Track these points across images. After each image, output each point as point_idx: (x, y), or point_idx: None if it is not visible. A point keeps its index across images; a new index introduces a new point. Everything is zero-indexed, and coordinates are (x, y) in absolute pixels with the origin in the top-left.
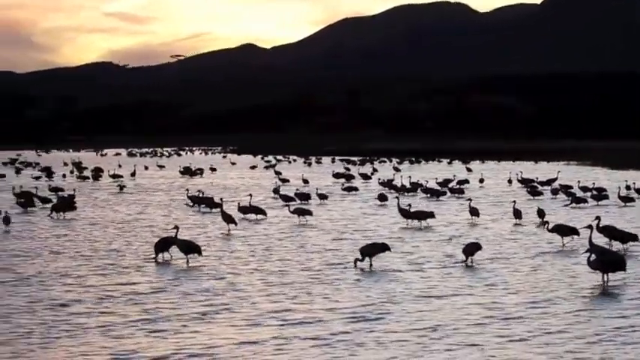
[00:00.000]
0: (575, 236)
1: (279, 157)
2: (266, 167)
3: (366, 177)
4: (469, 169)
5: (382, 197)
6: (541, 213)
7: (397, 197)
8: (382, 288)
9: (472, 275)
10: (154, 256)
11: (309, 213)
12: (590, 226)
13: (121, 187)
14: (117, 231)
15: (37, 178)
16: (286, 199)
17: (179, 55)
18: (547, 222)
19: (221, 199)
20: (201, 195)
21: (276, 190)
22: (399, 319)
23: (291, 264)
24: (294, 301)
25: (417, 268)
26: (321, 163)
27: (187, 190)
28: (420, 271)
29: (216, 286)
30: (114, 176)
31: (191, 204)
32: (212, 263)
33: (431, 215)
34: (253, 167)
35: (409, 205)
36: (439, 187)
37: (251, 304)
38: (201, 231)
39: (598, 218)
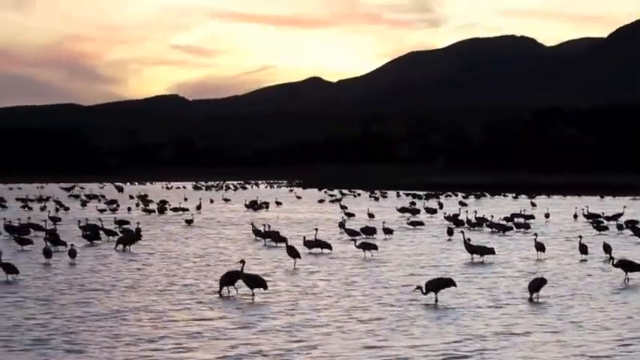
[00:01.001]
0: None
1: (345, 191)
2: (332, 201)
3: (431, 211)
4: (534, 204)
5: (450, 232)
6: (607, 248)
7: (462, 232)
8: (462, 324)
9: (546, 311)
10: (218, 289)
11: (375, 247)
12: None
13: (189, 222)
14: (188, 265)
15: (102, 211)
16: (352, 233)
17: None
18: (613, 257)
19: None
20: (267, 229)
21: (342, 225)
22: (483, 356)
23: (367, 299)
24: (376, 337)
25: (492, 304)
26: (386, 197)
27: (252, 223)
28: (495, 308)
29: (295, 323)
30: (175, 209)
31: (256, 237)
32: (285, 299)
33: (491, 251)
34: (321, 201)
35: (468, 239)
36: (505, 222)
37: (333, 340)
38: (270, 265)
39: None
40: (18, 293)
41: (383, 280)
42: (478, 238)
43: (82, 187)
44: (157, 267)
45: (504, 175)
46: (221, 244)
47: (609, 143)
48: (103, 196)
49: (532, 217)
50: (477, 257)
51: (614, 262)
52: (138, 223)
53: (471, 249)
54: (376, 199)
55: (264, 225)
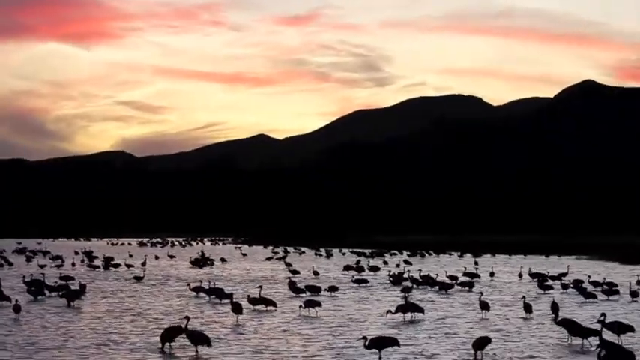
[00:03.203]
0: (581, 333)
1: (289, 249)
2: (277, 259)
3: (375, 269)
4: (476, 263)
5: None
6: (555, 307)
7: (403, 290)
8: None
9: None
10: (161, 346)
11: (319, 304)
12: (601, 322)
13: (138, 278)
14: (132, 322)
15: (42, 266)
16: (297, 290)
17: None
18: (558, 315)
19: (231, 293)
20: (212, 286)
21: (292, 283)
22: None
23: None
24: None
25: None
26: (331, 254)
27: (189, 284)
28: None
29: None
30: (117, 265)
31: (196, 294)
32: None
33: (420, 310)
34: (269, 259)
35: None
36: (449, 280)
37: None
38: (214, 321)
39: (603, 315)
40: None
41: (321, 337)
42: (423, 296)
43: (18, 243)
44: (99, 323)
45: (452, 233)
46: (166, 300)
47: (550, 203)
48: (49, 252)
49: (477, 275)
50: (408, 315)
51: (557, 320)
52: (80, 281)
53: (402, 308)
54: (330, 256)
55: (209, 281)
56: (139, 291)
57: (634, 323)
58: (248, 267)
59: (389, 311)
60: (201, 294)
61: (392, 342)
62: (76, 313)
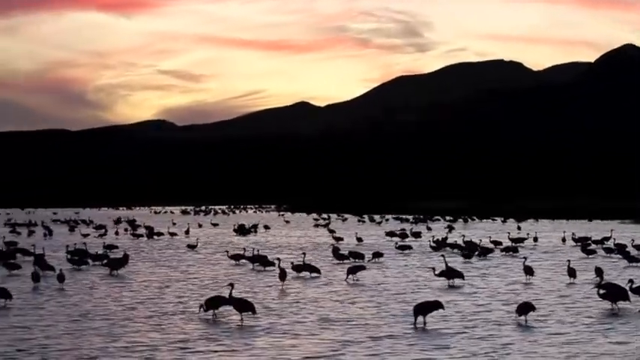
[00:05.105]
0: (624, 300)
1: (332, 216)
2: (322, 225)
3: (417, 235)
4: (519, 228)
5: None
6: (599, 272)
7: (443, 256)
8: (453, 345)
9: (532, 334)
10: (204, 312)
11: (364, 268)
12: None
13: (192, 247)
14: (187, 290)
15: (86, 235)
16: (340, 257)
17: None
18: (601, 283)
19: (278, 258)
20: (254, 253)
21: (335, 249)
22: None
23: (356, 325)
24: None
25: (478, 327)
26: (374, 221)
27: (227, 251)
28: (482, 330)
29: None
30: (159, 234)
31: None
32: (276, 323)
33: (460, 275)
34: (316, 225)
35: (434, 269)
36: (493, 246)
37: None
38: (258, 289)
39: (631, 281)
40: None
41: (370, 305)
42: (467, 262)
43: (76, 213)
44: (141, 292)
45: (494, 200)
46: (209, 267)
47: (594, 169)
48: (92, 221)
49: (522, 240)
50: (451, 281)
51: (602, 284)
52: (121, 249)
53: (444, 274)
54: (380, 223)
55: (253, 249)
56: (184, 259)
57: None
58: (291, 234)
59: (433, 269)
60: (243, 261)
61: (436, 306)
62: (127, 283)
